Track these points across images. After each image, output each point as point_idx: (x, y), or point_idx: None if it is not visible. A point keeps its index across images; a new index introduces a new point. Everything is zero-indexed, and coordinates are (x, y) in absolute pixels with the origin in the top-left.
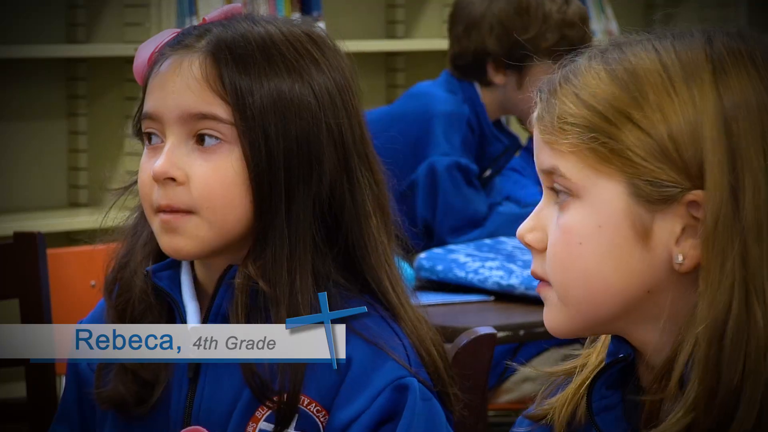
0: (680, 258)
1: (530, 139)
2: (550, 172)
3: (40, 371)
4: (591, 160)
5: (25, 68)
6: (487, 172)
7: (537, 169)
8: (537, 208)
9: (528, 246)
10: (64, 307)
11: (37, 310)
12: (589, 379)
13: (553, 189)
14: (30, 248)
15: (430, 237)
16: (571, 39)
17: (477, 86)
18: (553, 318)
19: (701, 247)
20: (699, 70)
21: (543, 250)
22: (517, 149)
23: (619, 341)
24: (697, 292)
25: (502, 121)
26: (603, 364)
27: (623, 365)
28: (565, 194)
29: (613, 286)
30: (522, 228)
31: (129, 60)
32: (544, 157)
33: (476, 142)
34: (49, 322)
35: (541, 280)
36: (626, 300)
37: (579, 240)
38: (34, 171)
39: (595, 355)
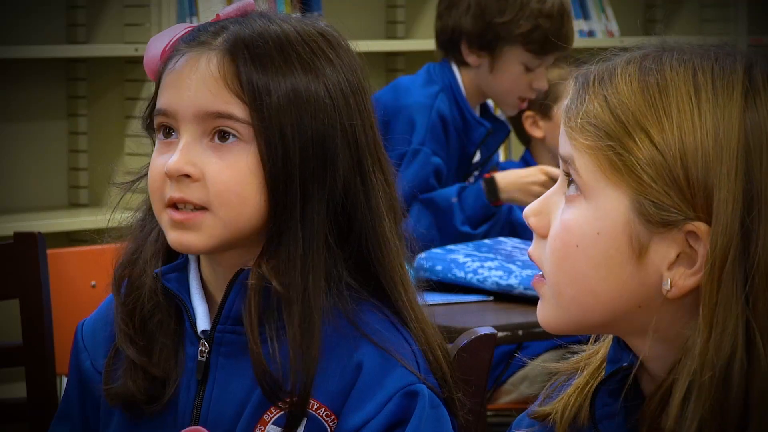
0: (668, 284)
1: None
2: (566, 161)
3: (40, 371)
4: (604, 165)
5: (25, 68)
6: (476, 157)
7: (559, 152)
8: (549, 191)
9: (531, 228)
10: (64, 307)
11: (37, 310)
12: (592, 388)
13: (568, 176)
14: (30, 248)
15: None
16: (545, 30)
17: (456, 70)
18: (545, 313)
19: (705, 284)
20: (730, 96)
21: (543, 236)
22: (507, 133)
23: (619, 347)
24: (695, 329)
25: (489, 106)
26: (604, 373)
27: (624, 374)
28: (575, 187)
29: (602, 295)
30: (528, 209)
31: (129, 60)
32: (564, 144)
33: (455, 129)
34: (49, 322)
35: (537, 266)
36: (615, 310)
37: (576, 242)
38: (34, 171)
39: (599, 353)
